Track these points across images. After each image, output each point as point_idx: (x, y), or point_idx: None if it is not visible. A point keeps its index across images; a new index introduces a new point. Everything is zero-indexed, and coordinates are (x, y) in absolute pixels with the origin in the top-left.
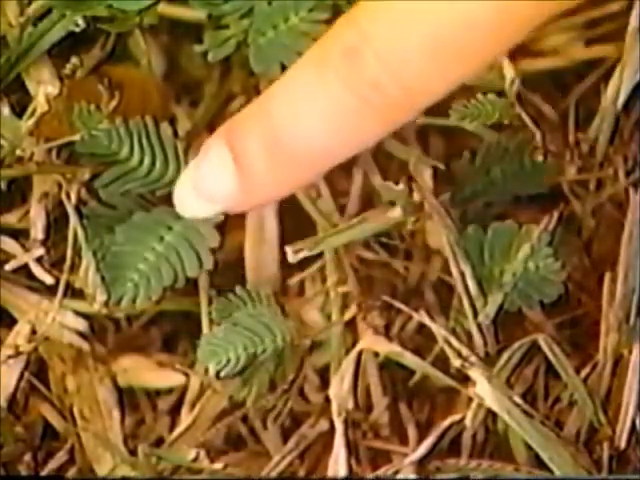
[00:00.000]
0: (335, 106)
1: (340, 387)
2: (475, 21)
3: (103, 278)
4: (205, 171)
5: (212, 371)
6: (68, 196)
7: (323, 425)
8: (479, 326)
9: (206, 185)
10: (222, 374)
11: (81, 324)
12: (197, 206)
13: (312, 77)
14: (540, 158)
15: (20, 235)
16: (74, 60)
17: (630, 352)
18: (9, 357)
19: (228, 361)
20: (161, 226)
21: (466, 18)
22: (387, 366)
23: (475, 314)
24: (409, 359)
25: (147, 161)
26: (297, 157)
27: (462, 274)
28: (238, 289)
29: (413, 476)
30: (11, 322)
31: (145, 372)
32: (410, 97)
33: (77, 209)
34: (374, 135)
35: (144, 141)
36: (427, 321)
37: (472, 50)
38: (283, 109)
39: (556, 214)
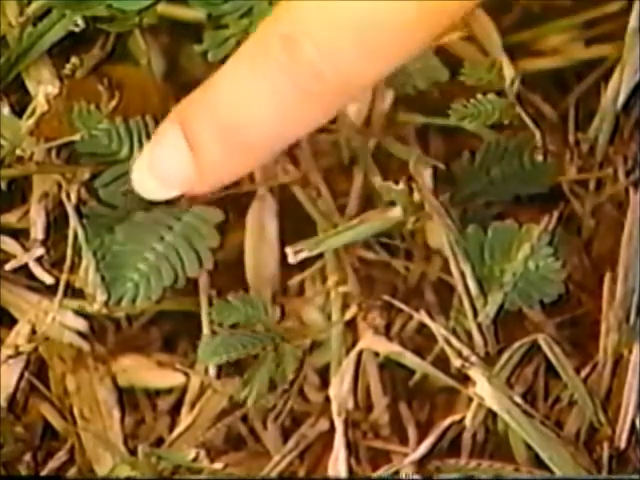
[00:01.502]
0: (278, 94)
1: (340, 387)
2: (400, 11)
3: (103, 278)
4: (161, 155)
5: (212, 371)
6: (68, 196)
7: (323, 425)
8: (479, 326)
9: (162, 169)
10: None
11: (81, 324)
12: (154, 188)
13: (254, 66)
14: (540, 158)
15: (20, 235)
16: (74, 60)
17: (630, 352)
18: (9, 357)
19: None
20: (161, 226)
21: (391, 8)
22: (387, 366)
23: (475, 314)
24: (409, 359)
25: None
26: (247, 142)
27: (462, 274)
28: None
29: (413, 476)
30: (11, 322)
31: (145, 372)
32: (347, 83)
33: (77, 209)
34: (317, 119)
35: (144, 141)
36: (427, 321)
37: (400, 38)
38: (229, 96)
39: (556, 214)
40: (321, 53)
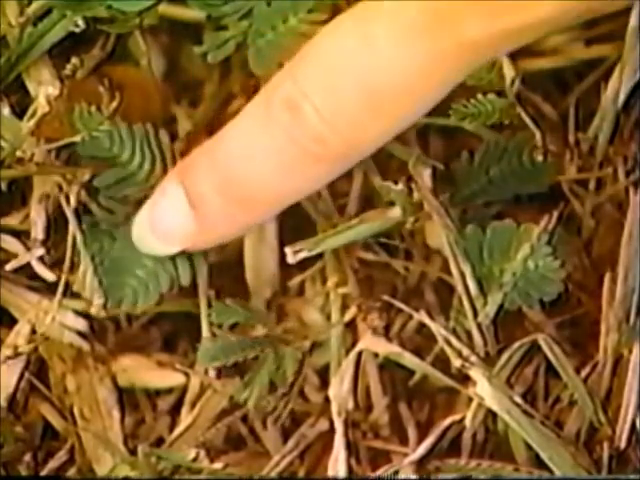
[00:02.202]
0: (280, 155)
1: (340, 387)
2: (403, 71)
3: (100, 282)
4: (161, 212)
5: (212, 371)
6: (67, 200)
7: (323, 425)
8: (479, 326)
9: (163, 225)
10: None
11: (81, 324)
12: (155, 245)
13: (258, 126)
14: (540, 158)
15: (21, 236)
16: (74, 60)
17: (630, 352)
18: (9, 357)
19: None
20: None
21: (394, 69)
22: (387, 366)
23: (475, 314)
24: (409, 359)
25: (147, 166)
26: (248, 199)
27: (462, 274)
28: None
29: (413, 476)
30: (11, 322)
31: (145, 372)
32: (351, 147)
33: (76, 213)
34: (321, 180)
35: (145, 146)
36: (427, 321)
37: (403, 98)
38: (232, 155)
39: (556, 214)
40: (321, 116)
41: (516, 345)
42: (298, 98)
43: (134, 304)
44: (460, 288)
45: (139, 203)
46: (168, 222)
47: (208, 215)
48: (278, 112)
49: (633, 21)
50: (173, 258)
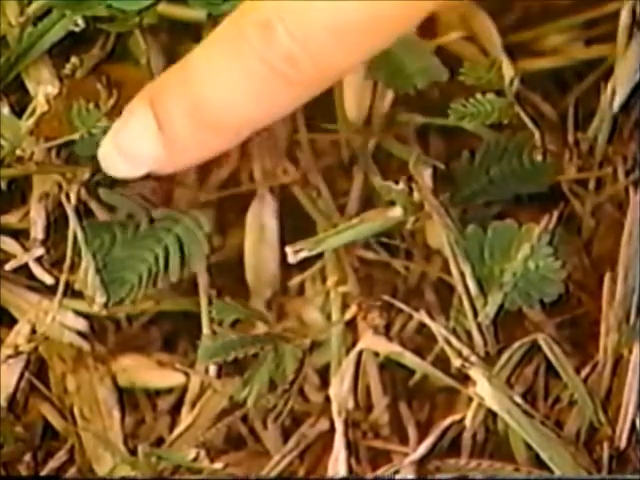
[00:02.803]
0: (251, 77)
1: (340, 387)
2: (373, 5)
3: (102, 280)
4: (129, 134)
5: (212, 371)
6: (68, 198)
7: (323, 425)
8: (479, 326)
9: (131, 147)
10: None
11: (81, 324)
12: (122, 167)
13: (229, 49)
14: (539, 158)
15: (20, 235)
16: (74, 60)
17: (630, 352)
18: (9, 357)
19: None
20: (161, 230)
21: (365, 4)
22: (387, 366)
23: (475, 314)
24: (409, 359)
25: None
26: (218, 123)
27: (462, 274)
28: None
29: (413, 476)
30: (11, 322)
31: (145, 372)
32: (320, 71)
33: (77, 210)
34: (290, 104)
35: None
36: (427, 321)
37: (374, 30)
38: (203, 78)
39: (556, 214)
40: (295, 39)
41: (516, 345)
42: (271, 18)
43: (135, 300)
44: (460, 288)
45: (141, 197)
46: (136, 144)
47: (177, 138)
48: (250, 33)
49: (627, 19)
50: (174, 253)
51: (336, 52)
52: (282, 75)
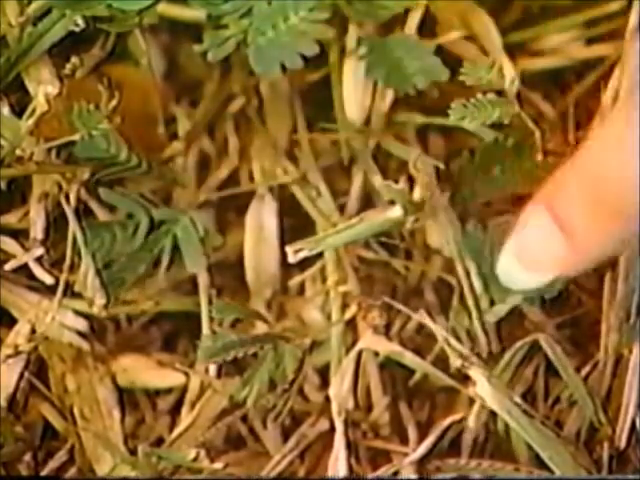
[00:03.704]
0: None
1: (340, 387)
2: None
3: (102, 282)
4: (529, 242)
5: (212, 371)
6: (67, 199)
7: (323, 425)
8: (483, 325)
9: (531, 255)
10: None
11: (81, 324)
12: (525, 278)
13: (621, 121)
14: (540, 157)
15: (20, 235)
16: (74, 60)
17: (630, 352)
18: (9, 357)
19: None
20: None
21: None
22: (387, 366)
23: (479, 312)
24: (409, 359)
25: (145, 164)
26: (622, 211)
27: (467, 272)
28: None
29: (413, 476)
30: (11, 322)
31: (145, 372)
32: None
33: (77, 210)
34: None
35: None
36: (427, 321)
37: None
38: (598, 159)
39: None
40: None
41: (517, 345)
42: None
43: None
44: (465, 286)
45: (142, 197)
46: (537, 251)
47: (581, 237)
48: None
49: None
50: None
51: None
52: None
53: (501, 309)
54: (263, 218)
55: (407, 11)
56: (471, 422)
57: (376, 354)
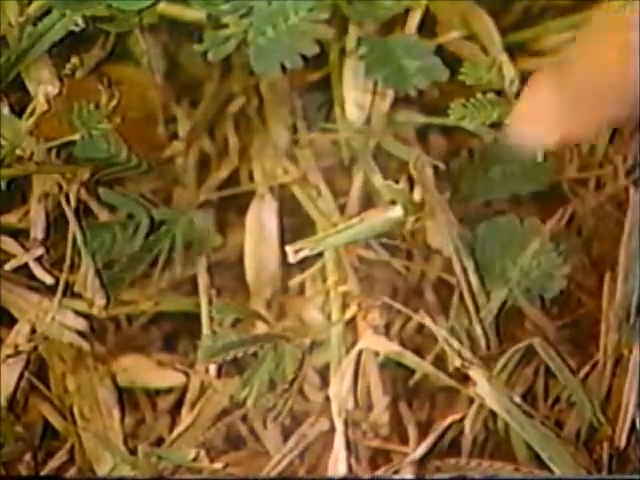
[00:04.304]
0: None
1: (340, 387)
2: None
3: (102, 282)
4: (534, 101)
5: (212, 371)
6: (67, 199)
7: (323, 424)
8: (481, 323)
9: (537, 113)
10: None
11: (81, 324)
12: (532, 135)
13: None
14: (540, 157)
15: (20, 235)
16: (74, 60)
17: (630, 352)
18: (9, 357)
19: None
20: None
21: None
22: (387, 366)
23: (477, 310)
24: (409, 359)
25: (145, 164)
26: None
27: (465, 270)
28: None
29: (413, 476)
30: (11, 322)
31: (145, 372)
32: None
33: (77, 211)
34: None
35: None
36: (427, 321)
37: None
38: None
39: (561, 211)
40: None
41: (515, 347)
42: None
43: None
44: (463, 284)
45: (142, 196)
46: (541, 108)
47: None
48: None
49: None
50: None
51: None
52: None
53: (495, 305)
54: (263, 218)
55: (407, 11)
56: (469, 423)
57: (376, 354)
